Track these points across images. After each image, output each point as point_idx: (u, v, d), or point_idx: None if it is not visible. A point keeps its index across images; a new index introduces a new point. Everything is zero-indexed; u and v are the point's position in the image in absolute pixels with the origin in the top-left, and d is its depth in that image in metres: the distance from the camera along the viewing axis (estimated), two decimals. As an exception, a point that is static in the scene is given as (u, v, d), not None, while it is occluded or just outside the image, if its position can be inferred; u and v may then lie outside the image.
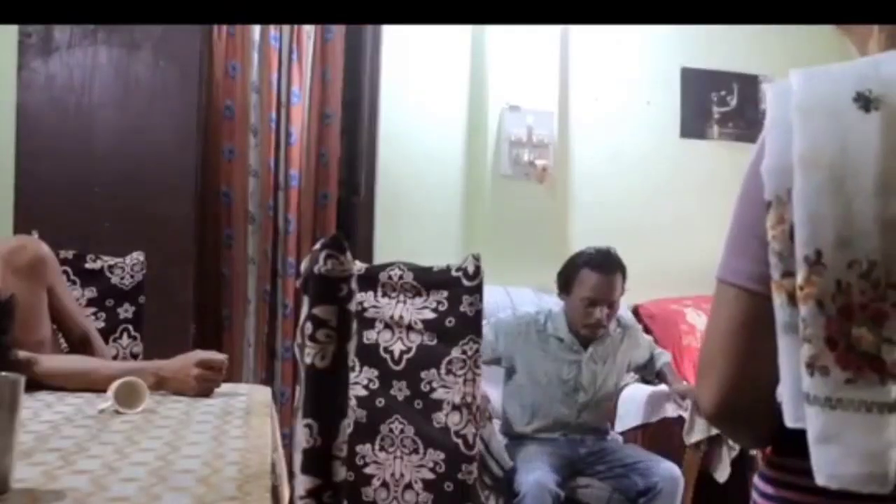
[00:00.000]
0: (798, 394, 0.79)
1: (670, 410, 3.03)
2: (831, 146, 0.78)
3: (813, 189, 0.77)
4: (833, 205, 0.77)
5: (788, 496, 0.88)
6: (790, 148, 0.79)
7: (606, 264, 2.89)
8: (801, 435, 0.80)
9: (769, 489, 0.91)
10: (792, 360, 0.80)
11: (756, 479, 0.95)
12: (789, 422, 0.81)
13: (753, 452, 3.19)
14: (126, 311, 2.39)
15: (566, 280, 2.93)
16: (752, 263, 0.85)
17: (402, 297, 2.12)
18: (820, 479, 0.77)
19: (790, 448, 0.88)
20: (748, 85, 4.04)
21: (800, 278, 0.77)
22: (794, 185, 0.78)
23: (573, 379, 2.91)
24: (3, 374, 1.02)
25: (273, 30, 3.52)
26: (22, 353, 1.72)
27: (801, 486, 0.86)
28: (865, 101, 0.78)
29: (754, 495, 0.94)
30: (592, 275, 2.87)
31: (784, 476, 0.89)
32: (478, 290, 2.03)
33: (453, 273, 2.05)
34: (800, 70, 0.83)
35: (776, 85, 0.84)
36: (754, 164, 0.86)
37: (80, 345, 2.03)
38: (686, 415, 3.00)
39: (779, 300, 0.80)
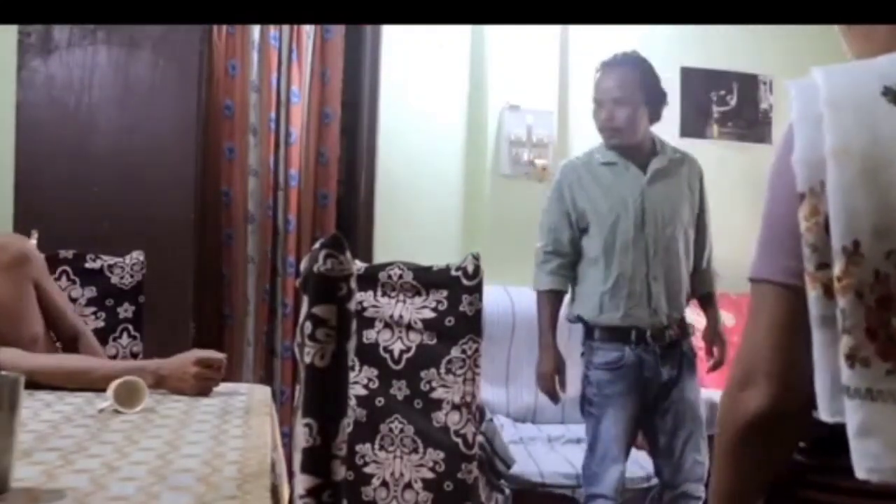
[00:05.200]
0: (834, 388, 0.78)
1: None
2: (863, 139, 0.78)
3: (847, 181, 0.78)
4: (868, 196, 0.77)
5: (812, 495, 0.88)
6: (821, 141, 0.80)
7: (605, 63, 2.68)
8: (828, 433, 0.79)
9: (791, 488, 0.90)
10: (828, 353, 0.79)
11: (774, 479, 0.94)
12: (826, 416, 0.80)
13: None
14: (126, 310, 2.39)
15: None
16: (789, 259, 0.84)
17: (401, 297, 2.12)
18: (860, 473, 0.77)
19: (815, 446, 0.88)
20: (748, 84, 4.04)
21: (837, 269, 0.77)
22: (827, 178, 0.78)
23: (640, 205, 2.60)
24: (3, 373, 1.02)
25: (273, 29, 3.52)
26: (7, 354, 1.72)
27: (825, 485, 0.85)
28: (894, 95, 0.79)
29: (769, 495, 0.93)
30: (596, 75, 2.68)
31: (810, 475, 0.89)
32: (477, 290, 2.03)
33: (453, 272, 2.05)
34: (822, 67, 0.83)
35: (800, 82, 0.84)
36: (781, 161, 0.86)
37: (72, 343, 2.02)
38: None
39: (814, 293, 0.80)
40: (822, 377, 0.80)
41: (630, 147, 2.66)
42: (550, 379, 2.65)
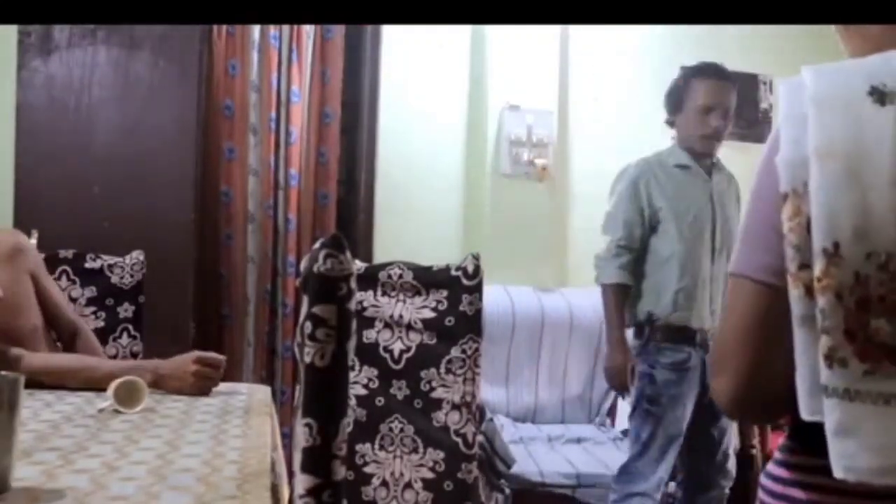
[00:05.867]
0: (814, 387, 0.79)
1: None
2: (847, 139, 0.78)
3: (829, 181, 0.77)
4: (850, 197, 0.77)
5: (805, 496, 0.88)
6: (805, 141, 0.79)
7: (719, 70, 2.77)
8: (812, 432, 0.80)
9: (780, 488, 0.91)
10: (809, 352, 0.79)
11: (763, 479, 0.94)
12: (805, 415, 0.80)
13: (754, 452, 3.20)
14: (126, 310, 2.39)
15: (676, 97, 2.78)
16: (769, 257, 0.85)
17: (401, 297, 2.12)
18: (837, 472, 0.77)
19: (803, 445, 0.88)
20: (748, 85, 4.04)
21: (817, 270, 0.77)
22: (810, 178, 0.78)
23: (711, 209, 2.70)
24: (3, 373, 1.02)
25: (273, 29, 3.53)
26: (14, 350, 1.73)
27: (818, 485, 0.85)
28: (880, 95, 0.78)
29: (761, 494, 0.94)
30: (705, 81, 2.75)
31: (798, 475, 0.89)
32: (477, 290, 2.03)
33: (453, 272, 2.05)
34: (811, 66, 0.83)
35: (789, 81, 0.84)
36: (768, 158, 0.86)
37: (71, 340, 2.02)
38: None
39: (796, 292, 0.80)
40: (802, 376, 0.81)
41: (704, 154, 2.76)
42: (623, 372, 2.67)
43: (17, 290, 1.87)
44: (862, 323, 0.76)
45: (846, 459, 0.77)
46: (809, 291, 0.79)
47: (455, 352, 2.03)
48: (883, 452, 0.76)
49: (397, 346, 2.11)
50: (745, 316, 0.88)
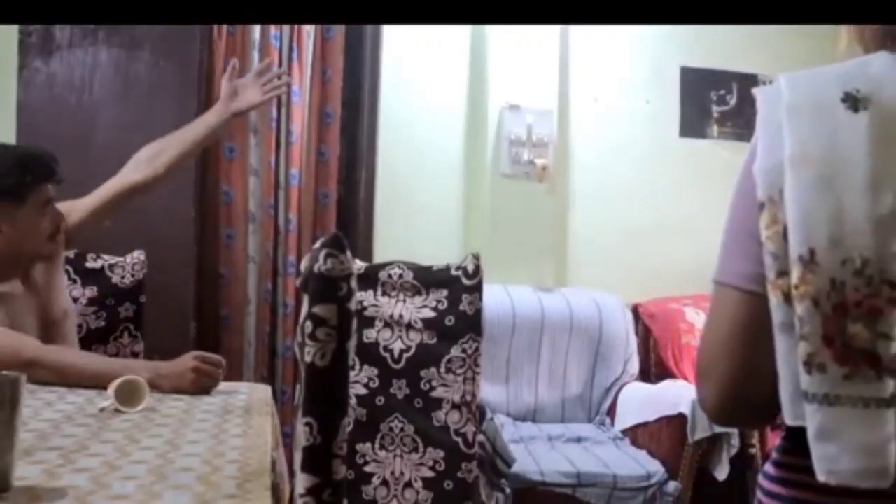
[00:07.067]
0: (796, 392, 0.80)
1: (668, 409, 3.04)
2: (821, 146, 0.79)
3: (804, 188, 0.78)
4: (825, 204, 0.77)
5: (796, 495, 0.88)
6: (781, 148, 0.80)
7: None
8: (803, 433, 0.80)
9: (774, 488, 0.91)
10: (789, 358, 0.80)
11: (761, 479, 0.95)
12: (789, 420, 0.81)
13: (753, 451, 3.20)
14: (126, 310, 2.40)
15: None
16: (750, 264, 0.85)
17: (401, 296, 2.13)
18: (820, 475, 0.78)
19: (795, 446, 0.89)
20: (747, 84, 4.04)
21: (794, 277, 0.78)
22: (785, 185, 0.79)
23: None
24: (4, 372, 1.02)
25: (273, 29, 3.53)
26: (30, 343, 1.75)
27: (808, 485, 0.86)
28: (853, 101, 0.79)
29: (759, 495, 0.94)
30: None
31: (791, 475, 0.90)
32: (477, 289, 2.03)
33: (453, 272, 2.06)
34: (788, 73, 0.84)
35: (766, 88, 0.85)
36: (747, 166, 0.87)
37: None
38: (688, 413, 3.00)
39: (775, 300, 0.81)
40: (784, 382, 0.81)
41: None
42: None
43: (54, 276, 1.89)
44: (839, 328, 0.77)
45: (828, 463, 0.78)
46: (788, 299, 0.79)
47: (455, 351, 2.04)
48: (864, 455, 0.77)
49: (397, 346, 2.12)
50: (730, 324, 0.88)
